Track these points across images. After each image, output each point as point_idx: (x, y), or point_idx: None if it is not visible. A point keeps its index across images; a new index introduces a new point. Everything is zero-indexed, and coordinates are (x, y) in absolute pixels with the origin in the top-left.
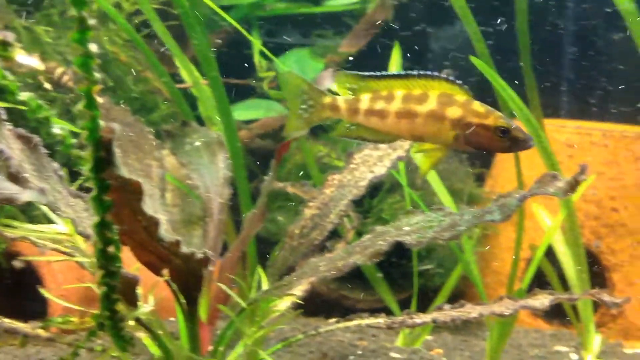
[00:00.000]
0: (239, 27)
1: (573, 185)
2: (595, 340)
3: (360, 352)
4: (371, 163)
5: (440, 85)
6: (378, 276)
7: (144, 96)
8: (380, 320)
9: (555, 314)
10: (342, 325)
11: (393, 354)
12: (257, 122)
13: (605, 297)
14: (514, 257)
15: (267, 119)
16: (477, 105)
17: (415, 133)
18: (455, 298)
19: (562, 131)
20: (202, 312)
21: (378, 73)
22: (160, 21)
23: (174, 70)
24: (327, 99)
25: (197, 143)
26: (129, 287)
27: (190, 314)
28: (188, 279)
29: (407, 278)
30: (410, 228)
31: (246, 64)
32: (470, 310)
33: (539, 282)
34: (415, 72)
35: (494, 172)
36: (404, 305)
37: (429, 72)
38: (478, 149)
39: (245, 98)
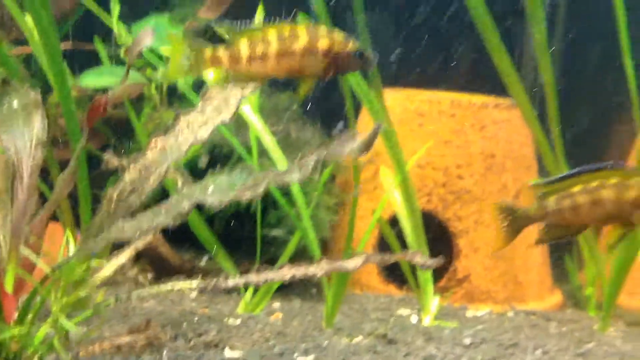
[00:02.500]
0: None
1: (367, 144)
2: (433, 303)
3: (196, 319)
4: (195, 127)
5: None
6: (217, 245)
7: None
8: (194, 283)
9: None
10: (154, 290)
11: (228, 320)
12: (113, 90)
13: (418, 258)
14: (349, 222)
15: (124, 87)
16: (338, 34)
17: (294, 69)
18: None
19: (413, 100)
20: (9, 281)
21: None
22: None
23: (20, 36)
24: (208, 52)
25: (14, 103)
26: None
27: None
28: None
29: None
30: (214, 188)
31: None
32: (285, 272)
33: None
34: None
35: None
36: None
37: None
38: (341, 73)
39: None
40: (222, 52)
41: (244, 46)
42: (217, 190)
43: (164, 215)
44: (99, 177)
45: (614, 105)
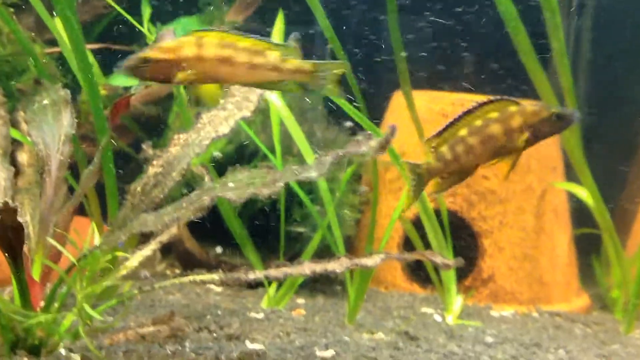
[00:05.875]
0: None
1: (383, 144)
2: (457, 302)
3: (219, 312)
4: (217, 123)
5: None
6: (246, 239)
7: (14, 59)
8: (215, 276)
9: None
10: (177, 281)
11: (251, 314)
12: (141, 90)
13: (437, 258)
14: (371, 221)
15: (151, 87)
16: (530, 106)
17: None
18: None
19: (437, 102)
20: (36, 270)
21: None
22: None
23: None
24: None
25: (45, 101)
26: None
27: (17, 269)
28: (5, 232)
29: (286, 242)
30: (234, 184)
31: (132, 31)
32: (305, 268)
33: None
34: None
35: None
36: None
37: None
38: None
39: None
40: (435, 164)
41: (446, 150)
42: (237, 187)
43: (185, 209)
44: (130, 172)
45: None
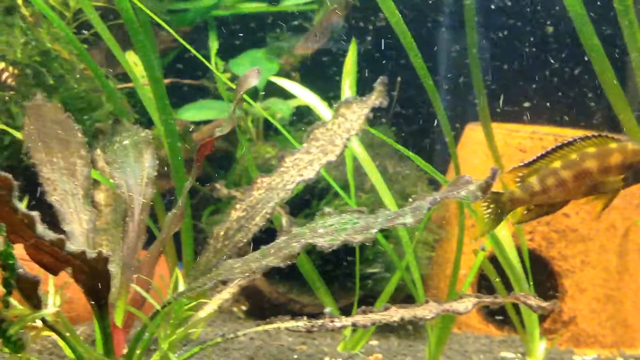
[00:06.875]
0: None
1: (484, 188)
2: (540, 347)
3: (295, 357)
4: (301, 167)
5: None
6: (318, 280)
7: (88, 95)
8: (300, 323)
9: (508, 320)
10: (260, 328)
11: (328, 359)
12: (209, 123)
13: (531, 301)
14: (454, 261)
15: (220, 121)
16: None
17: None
18: (407, 302)
19: (514, 136)
20: (119, 316)
21: None
22: (102, 21)
23: (123, 70)
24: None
25: (126, 142)
26: (30, 288)
27: (101, 316)
28: (93, 280)
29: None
30: (324, 230)
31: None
32: (393, 314)
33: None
34: None
35: (449, 177)
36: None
37: None
38: None
39: (200, 99)
40: (520, 194)
41: (535, 182)
42: (328, 233)
43: (273, 256)
44: (197, 206)
45: None
